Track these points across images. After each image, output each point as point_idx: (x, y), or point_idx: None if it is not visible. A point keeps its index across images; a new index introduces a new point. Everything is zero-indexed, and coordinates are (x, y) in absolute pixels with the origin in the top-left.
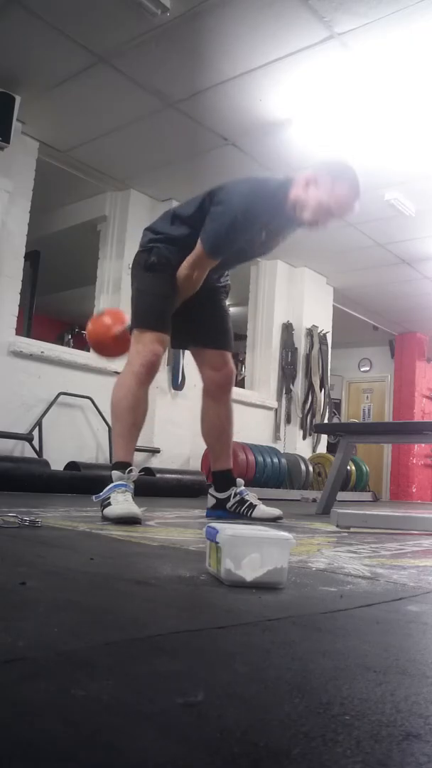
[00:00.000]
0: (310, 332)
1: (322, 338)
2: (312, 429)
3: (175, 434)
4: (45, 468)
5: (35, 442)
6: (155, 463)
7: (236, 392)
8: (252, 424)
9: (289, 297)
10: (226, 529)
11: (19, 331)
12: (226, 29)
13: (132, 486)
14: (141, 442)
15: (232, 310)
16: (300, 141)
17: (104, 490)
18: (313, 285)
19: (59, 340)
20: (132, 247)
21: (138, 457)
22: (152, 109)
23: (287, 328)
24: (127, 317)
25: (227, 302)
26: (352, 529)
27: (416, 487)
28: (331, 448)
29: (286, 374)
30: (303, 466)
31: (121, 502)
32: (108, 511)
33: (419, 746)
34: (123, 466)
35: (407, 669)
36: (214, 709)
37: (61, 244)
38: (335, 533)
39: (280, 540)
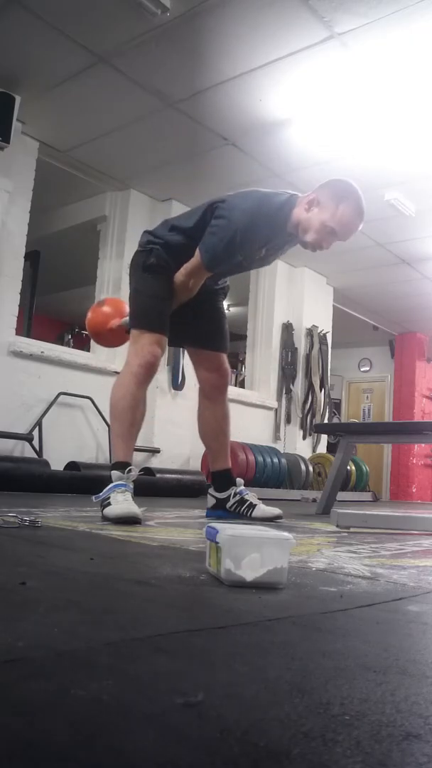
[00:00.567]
0: (310, 332)
1: (322, 338)
2: (312, 429)
3: (175, 434)
4: (45, 468)
5: (35, 442)
6: (155, 463)
7: (236, 392)
8: (252, 424)
9: (289, 297)
10: (226, 529)
11: (19, 331)
12: (226, 29)
13: (132, 486)
14: (141, 442)
15: (232, 310)
16: (300, 141)
17: (104, 490)
18: (313, 285)
19: (59, 340)
20: (132, 248)
21: (138, 457)
22: (152, 109)
23: (287, 328)
24: (127, 308)
25: (226, 303)
26: (352, 529)
27: (416, 487)
28: (331, 448)
29: (286, 374)
30: (303, 466)
31: (121, 502)
32: (108, 511)
33: (419, 746)
34: (122, 466)
35: (407, 669)
36: (214, 709)
37: (61, 244)
38: (335, 533)
39: (280, 540)
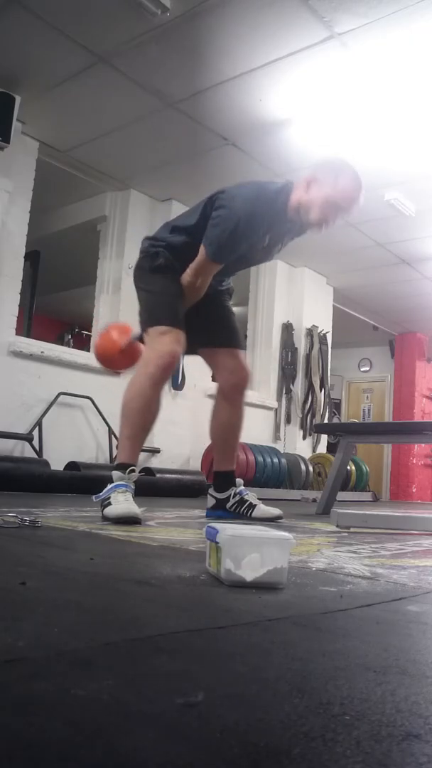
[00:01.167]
0: (310, 332)
1: (322, 338)
2: (312, 429)
3: (175, 434)
4: (45, 468)
5: (35, 442)
6: (155, 463)
7: None
8: (252, 424)
9: (289, 297)
10: (226, 529)
11: (19, 331)
12: (226, 29)
13: (133, 486)
14: None
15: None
16: (300, 141)
17: (104, 490)
18: (313, 285)
19: (59, 340)
20: (132, 248)
21: (138, 457)
22: (152, 109)
23: (287, 328)
24: (133, 329)
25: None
26: (352, 529)
27: (416, 487)
28: (331, 448)
29: (286, 374)
30: (303, 466)
31: (122, 502)
32: (108, 511)
33: (419, 746)
34: (125, 467)
35: (407, 669)
36: (214, 709)
37: (61, 244)
38: (335, 533)
39: (280, 540)
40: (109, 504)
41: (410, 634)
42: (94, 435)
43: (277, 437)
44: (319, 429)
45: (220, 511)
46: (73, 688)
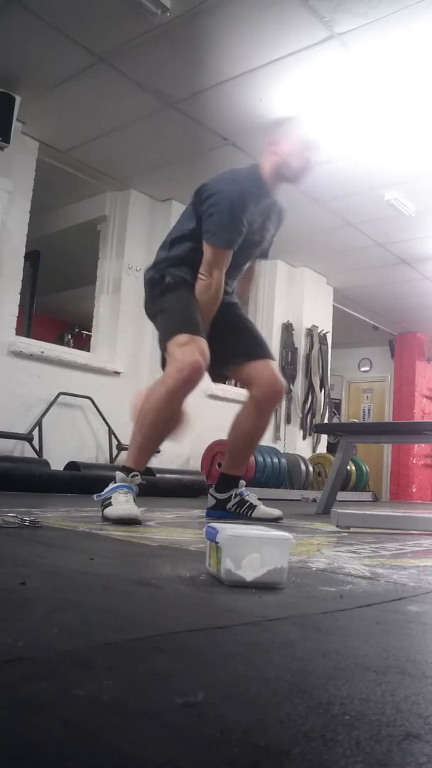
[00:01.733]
0: (310, 332)
1: (322, 338)
2: (312, 429)
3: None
4: (45, 468)
5: (35, 442)
6: (155, 463)
7: (236, 392)
8: None
9: (289, 297)
10: (226, 529)
11: (19, 331)
12: (226, 29)
13: (135, 489)
14: None
15: None
16: None
17: (106, 489)
18: (313, 285)
19: (59, 340)
20: (132, 248)
21: (145, 466)
22: (152, 109)
23: (287, 328)
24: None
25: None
26: (352, 529)
27: (416, 487)
28: (331, 448)
29: (286, 374)
30: (303, 466)
31: (122, 503)
32: (108, 511)
33: (419, 746)
34: (130, 471)
35: (407, 669)
36: (214, 709)
37: (61, 244)
38: (335, 533)
39: (280, 540)
40: (110, 504)
41: (410, 634)
42: (94, 435)
43: (277, 437)
44: (319, 429)
45: (221, 512)
46: (73, 688)
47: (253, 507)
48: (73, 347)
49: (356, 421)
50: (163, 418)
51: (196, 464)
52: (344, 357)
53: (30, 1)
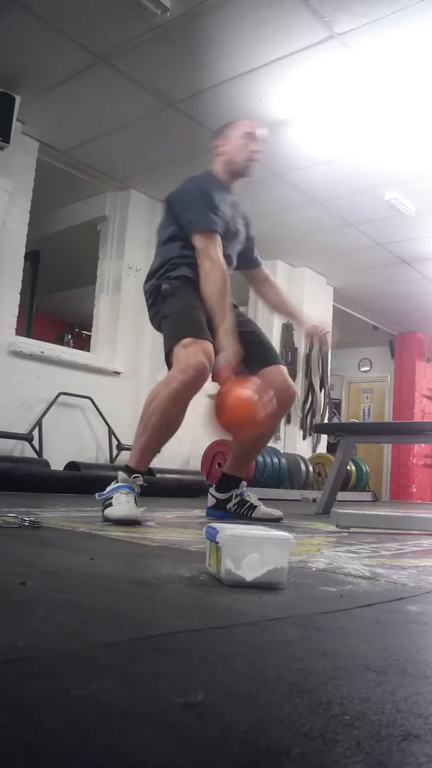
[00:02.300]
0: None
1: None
2: (312, 429)
3: (175, 434)
4: (45, 468)
5: (35, 442)
6: (155, 463)
7: None
8: None
9: (289, 297)
10: (226, 529)
11: (19, 331)
12: (226, 29)
13: (137, 490)
14: None
15: None
16: (300, 141)
17: (107, 489)
18: (313, 285)
19: (59, 340)
20: (132, 248)
21: (147, 467)
22: (152, 109)
23: (287, 328)
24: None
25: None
26: (352, 529)
27: (416, 487)
28: (331, 448)
29: None
30: (303, 466)
31: (123, 504)
32: (109, 512)
33: (419, 746)
34: (132, 471)
35: (407, 669)
36: (214, 709)
37: (61, 244)
38: (335, 533)
39: (280, 540)
40: (110, 504)
41: (410, 634)
42: (94, 435)
43: (277, 437)
44: (319, 429)
45: (221, 511)
46: (73, 688)
47: (253, 507)
48: (73, 347)
49: (356, 421)
50: (167, 420)
51: (196, 464)
52: (344, 357)
53: (30, 1)
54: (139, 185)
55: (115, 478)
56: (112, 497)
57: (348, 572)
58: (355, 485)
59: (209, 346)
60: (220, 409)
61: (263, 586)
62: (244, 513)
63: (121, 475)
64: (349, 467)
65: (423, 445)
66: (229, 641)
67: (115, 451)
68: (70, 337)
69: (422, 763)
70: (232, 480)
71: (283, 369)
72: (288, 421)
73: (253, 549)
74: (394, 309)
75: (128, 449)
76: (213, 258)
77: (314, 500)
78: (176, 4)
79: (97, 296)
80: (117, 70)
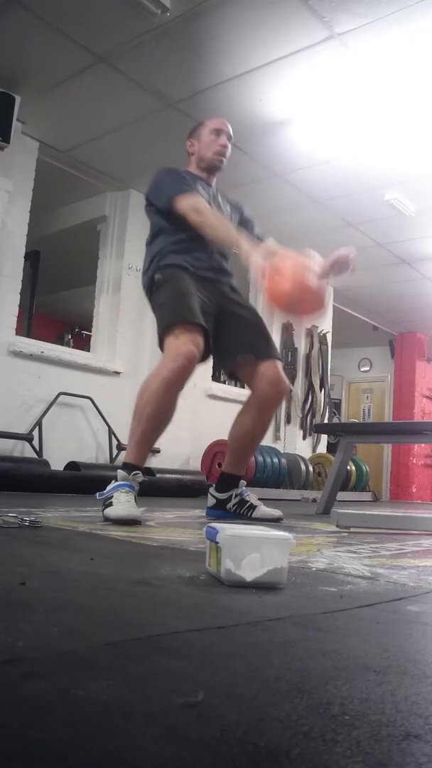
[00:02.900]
0: (310, 332)
1: (322, 338)
2: (312, 429)
3: (175, 434)
4: (45, 468)
5: (35, 442)
6: (155, 463)
7: (236, 392)
8: None
9: None
10: (226, 529)
11: (19, 331)
12: (226, 29)
13: (136, 487)
14: None
15: None
16: (300, 141)
17: (107, 488)
18: None
19: (59, 340)
20: (132, 248)
21: (145, 460)
22: (152, 109)
23: (287, 328)
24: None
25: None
26: (352, 529)
27: (416, 487)
28: (331, 448)
29: (286, 374)
30: (303, 466)
31: (123, 503)
32: (109, 511)
33: (419, 746)
34: (131, 468)
35: (407, 669)
36: (214, 709)
37: (61, 244)
38: (335, 533)
39: (280, 540)
40: (111, 504)
41: (410, 634)
42: (94, 435)
43: (277, 437)
44: (319, 429)
45: (221, 511)
46: (73, 688)
47: (253, 507)
48: (73, 347)
49: (356, 421)
50: (161, 408)
51: (196, 464)
52: (344, 357)
53: (30, 1)
54: (139, 185)
55: (115, 478)
56: (112, 496)
57: (348, 572)
58: (355, 485)
59: (198, 336)
60: (275, 293)
61: (263, 586)
62: (244, 513)
63: (120, 473)
64: (349, 467)
65: (423, 445)
66: (229, 641)
67: (115, 451)
68: (70, 337)
69: (422, 763)
70: (231, 479)
71: (278, 363)
72: (288, 421)
73: (253, 549)
74: (394, 309)
75: (127, 445)
76: (197, 208)
77: (314, 500)
78: (176, 4)
79: (97, 296)
80: (117, 70)
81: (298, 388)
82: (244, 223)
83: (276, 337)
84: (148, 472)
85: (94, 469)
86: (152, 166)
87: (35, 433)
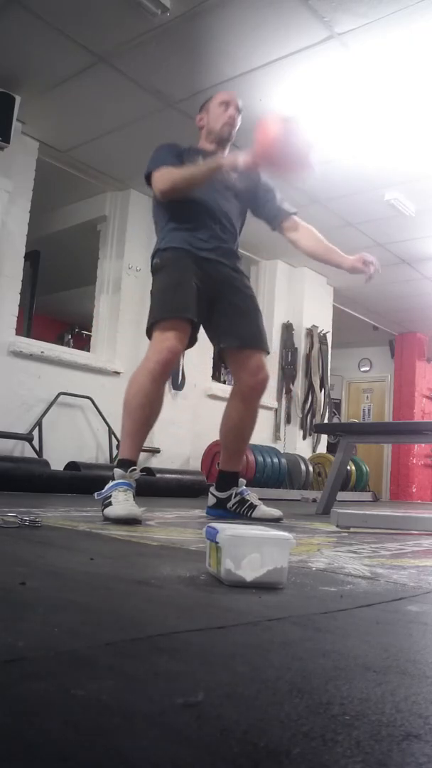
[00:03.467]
0: (310, 332)
1: (322, 338)
2: (312, 429)
3: (175, 434)
4: (45, 468)
5: (35, 442)
6: (155, 463)
7: None
8: None
9: (289, 297)
10: (226, 529)
11: (19, 331)
12: (226, 29)
13: (134, 485)
14: None
15: None
16: None
17: (106, 488)
18: (313, 285)
19: (59, 340)
20: (132, 248)
21: (139, 454)
22: (152, 109)
23: (287, 328)
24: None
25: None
26: (352, 529)
27: (416, 487)
28: (331, 448)
29: (286, 374)
30: (303, 466)
31: (122, 502)
32: (108, 511)
33: (419, 746)
34: (127, 464)
35: (407, 669)
36: (214, 709)
37: (61, 244)
38: (335, 533)
39: (280, 540)
40: (110, 503)
41: (410, 634)
42: (94, 435)
43: (277, 437)
44: (319, 429)
45: (221, 511)
46: (73, 688)
47: (253, 507)
48: (73, 347)
49: (356, 421)
50: (149, 399)
51: (196, 464)
52: (344, 357)
53: (30, 1)
54: (139, 185)
55: (112, 477)
56: (110, 496)
57: (348, 572)
58: (355, 485)
59: (182, 328)
60: (264, 140)
61: (263, 586)
62: (244, 512)
63: (117, 472)
64: (349, 467)
65: (423, 445)
66: (229, 641)
67: (115, 451)
68: (70, 337)
69: (422, 763)
70: (229, 476)
71: (261, 355)
72: (288, 421)
73: (253, 549)
74: (394, 309)
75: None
76: (163, 178)
77: (314, 500)
78: (176, 4)
79: (97, 296)
80: (117, 70)
81: (298, 388)
82: (266, 192)
83: (276, 337)
84: (148, 472)
85: (94, 469)
86: None
87: (35, 433)
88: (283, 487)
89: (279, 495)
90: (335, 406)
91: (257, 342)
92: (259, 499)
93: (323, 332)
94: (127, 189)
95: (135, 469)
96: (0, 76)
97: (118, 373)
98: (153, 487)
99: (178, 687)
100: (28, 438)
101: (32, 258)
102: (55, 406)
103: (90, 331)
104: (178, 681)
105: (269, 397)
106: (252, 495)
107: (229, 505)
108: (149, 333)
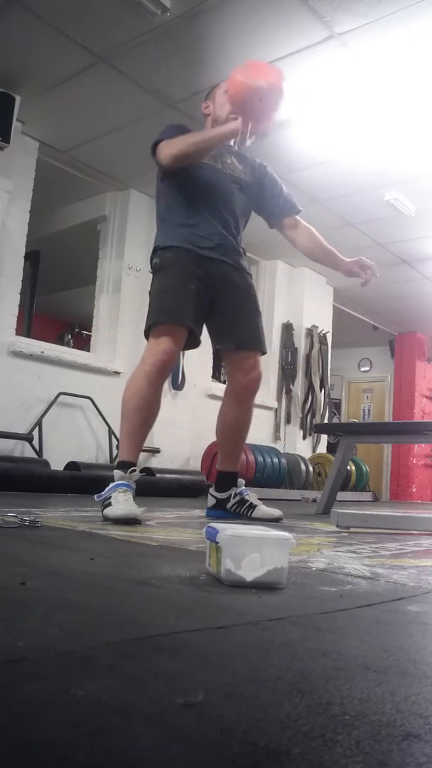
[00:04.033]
0: (310, 332)
1: (322, 338)
2: (312, 429)
3: (175, 434)
4: (45, 468)
5: (35, 442)
6: (155, 463)
7: None
8: (252, 424)
9: (289, 297)
10: (226, 529)
11: (19, 331)
12: (226, 29)
13: (133, 486)
14: None
15: None
16: (300, 141)
17: (105, 489)
18: (313, 285)
19: (59, 340)
20: (132, 248)
21: (138, 455)
22: (152, 109)
23: (287, 328)
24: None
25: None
26: (352, 529)
27: (416, 487)
28: (331, 448)
29: (286, 374)
30: (303, 466)
31: (122, 503)
32: (108, 511)
33: (419, 746)
34: (126, 465)
35: (407, 669)
36: (214, 709)
37: (61, 244)
38: (335, 533)
39: (280, 540)
40: (110, 504)
41: (410, 634)
42: (94, 435)
43: (277, 437)
44: (319, 429)
45: (221, 511)
46: (73, 688)
47: (253, 507)
48: (73, 347)
49: (356, 421)
50: (146, 402)
51: (196, 464)
52: (344, 357)
53: (30, 1)
54: (139, 185)
55: (111, 479)
56: (110, 497)
57: (348, 572)
58: (355, 485)
59: (179, 333)
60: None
61: (263, 586)
62: (243, 512)
63: (117, 473)
64: (349, 467)
65: (423, 445)
66: (229, 641)
67: (115, 451)
68: (70, 337)
69: (422, 763)
70: (228, 476)
71: (256, 355)
72: (288, 421)
73: (253, 549)
74: (394, 309)
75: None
76: (167, 144)
77: (314, 500)
78: (176, 4)
79: (97, 296)
80: (117, 70)
81: (298, 388)
82: (272, 186)
83: (276, 337)
84: (148, 472)
85: (94, 469)
86: (152, 166)
87: (35, 433)
88: (283, 487)
89: (279, 495)
90: (335, 406)
91: (254, 343)
92: (259, 499)
93: (323, 332)
94: (127, 189)
95: (135, 471)
96: (0, 76)
97: (118, 373)
98: (153, 487)
99: (178, 687)
100: (28, 438)
101: (32, 258)
102: (55, 406)
103: (90, 331)
104: (178, 681)
105: (269, 397)
106: (251, 495)
107: (229, 505)
108: (147, 335)
